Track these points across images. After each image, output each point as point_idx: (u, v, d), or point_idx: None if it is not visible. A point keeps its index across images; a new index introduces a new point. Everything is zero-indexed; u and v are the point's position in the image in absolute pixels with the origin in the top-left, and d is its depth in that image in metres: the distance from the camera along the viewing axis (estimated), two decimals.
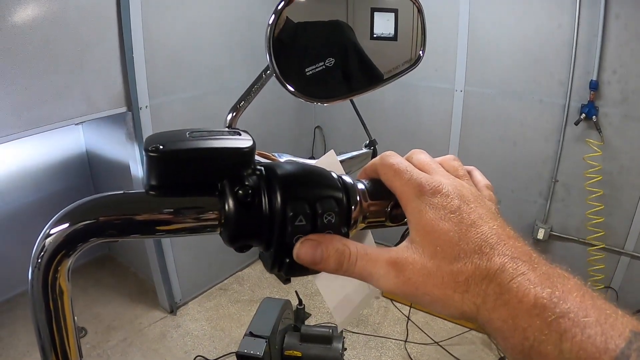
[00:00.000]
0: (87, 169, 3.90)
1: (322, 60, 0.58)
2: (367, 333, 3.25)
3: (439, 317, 3.34)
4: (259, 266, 3.96)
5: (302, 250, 0.42)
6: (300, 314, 2.09)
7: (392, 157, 0.46)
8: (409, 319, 3.34)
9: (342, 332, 1.60)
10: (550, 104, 3.13)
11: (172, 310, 3.41)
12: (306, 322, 1.89)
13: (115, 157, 3.40)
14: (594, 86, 2.89)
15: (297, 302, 2.06)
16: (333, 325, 1.68)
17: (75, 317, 0.45)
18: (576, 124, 3.00)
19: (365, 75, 0.66)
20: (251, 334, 1.78)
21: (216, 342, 3.17)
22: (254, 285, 3.78)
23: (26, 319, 3.22)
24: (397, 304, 3.50)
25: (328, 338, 1.80)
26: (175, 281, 3.38)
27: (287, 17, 0.52)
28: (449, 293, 0.39)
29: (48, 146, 3.56)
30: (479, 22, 3.24)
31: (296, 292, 2.16)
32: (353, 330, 3.24)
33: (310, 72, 0.57)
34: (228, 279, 3.83)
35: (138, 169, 2.92)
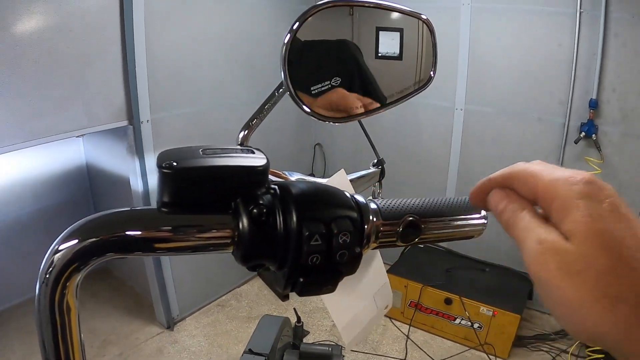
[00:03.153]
0: (87, 182, 3.89)
1: (327, 79, 0.57)
2: (366, 351, 3.22)
3: (438, 335, 3.32)
4: (257, 283, 3.94)
5: (495, 196, 0.44)
6: (299, 331, 2.06)
7: (539, 164, 0.45)
8: (408, 337, 3.32)
9: (341, 350, 1.58)
10: (550, 123, 3.15)
11: (169, 326, 3.38)
12: (305, 340, 1.88)
13: (115, 171, 3.40)
14: (594, 105, 2.91)
15: (296, 320, 2.04)
16: (332, 343, 1.67)
17: (82, 334, 0.44)
18: (576, 142, 3.02)
19: (374, 95, 0.66)
20: (250, 352, 1.76)
21: (214, 359, 3.14)
22: (252, 302, 3.76)
23: (21, 331, 3.20)
24: (396, 322, 3.48)
25: (327, 356, 1.78)
26: (173, 296, 3.35)
27: (295, 36, 0.52)
28: (592, 298, 0.34)
29: (48, 158, 3.56)
30: (480, 41, 3.26)
31: (295, 309, 2.14)
32: (352, 349, 3.22)
33: (316, 91, 0.57)
34: (226, 295, 3.81)
35: (138, 183, 2.91)
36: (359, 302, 0.49)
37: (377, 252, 0.53)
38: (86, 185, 3.89)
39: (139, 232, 0.41)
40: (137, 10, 2.58)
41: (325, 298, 0.50)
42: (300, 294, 0.45)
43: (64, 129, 2.43)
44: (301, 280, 0.44)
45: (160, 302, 3.30)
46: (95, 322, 3.37)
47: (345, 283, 0.47)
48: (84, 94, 2.48)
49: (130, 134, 2.79)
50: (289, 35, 0.50)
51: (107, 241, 0.40)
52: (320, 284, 0.45)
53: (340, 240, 0.43)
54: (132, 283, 3.84)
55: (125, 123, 2.74)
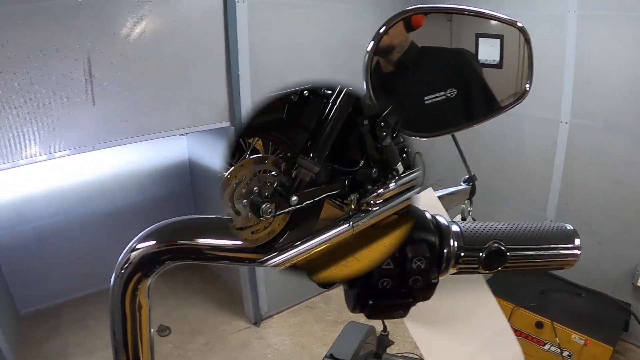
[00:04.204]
0: (188, 177, 4.06)
1: (442, 89, 0.55)
2: None
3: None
4: None
5: None
6: (384, 340, 2.03)
7: None
8: None
9: None
10: None
11: (257, 322, 3.46)
12: (388, 350, 1.84)
13: (215, 168, 3.50)
14: None
15: (382, 329, 2.01)
16: (416, 356, 1.63)
17: (152, 329, 0.45)
18: None
19: (481, 105, 0.62)
20: (332, 357, 1.76)
21: (296, 358, 3.16)
22: (341, 306, 3.75)
23: None
24: None
25: None
26: (263, 294, 3.42)
27: (412, 41, 0.50)
28: None
29: (153, 153, 3.75)
30: (587, 50, 3.06)
31: None
32: None
33: (429, 102, 0.54)
34: (316, 297, 3.83)
35: None
36: (464, 347, 0.46)
37: (484, 282, 0.50)
38: (188, 181, 4.05)
39: (215, 241, 0.41)
40: (240, 17, 2.66)
41: (412, 327, 0.47)
42: (369, 316, 0.44)
43: (169, 127, 2.54)
44: (370, 302, 0.42)
45: (250, 298, 3.38)
46: (186, 311, 3.50)
47: (439, 318, 0.44)
48: (189, 95, 2.59)
49: (231, 134, 2.87)
50: (372, 42, 0.48)
51: (181, 247, 0.41)
52: (391, 309, 0.43)
53: (414, 266, 0.41)
54: (225, 277, 3.96)
55: (227, 124, 2.84)
